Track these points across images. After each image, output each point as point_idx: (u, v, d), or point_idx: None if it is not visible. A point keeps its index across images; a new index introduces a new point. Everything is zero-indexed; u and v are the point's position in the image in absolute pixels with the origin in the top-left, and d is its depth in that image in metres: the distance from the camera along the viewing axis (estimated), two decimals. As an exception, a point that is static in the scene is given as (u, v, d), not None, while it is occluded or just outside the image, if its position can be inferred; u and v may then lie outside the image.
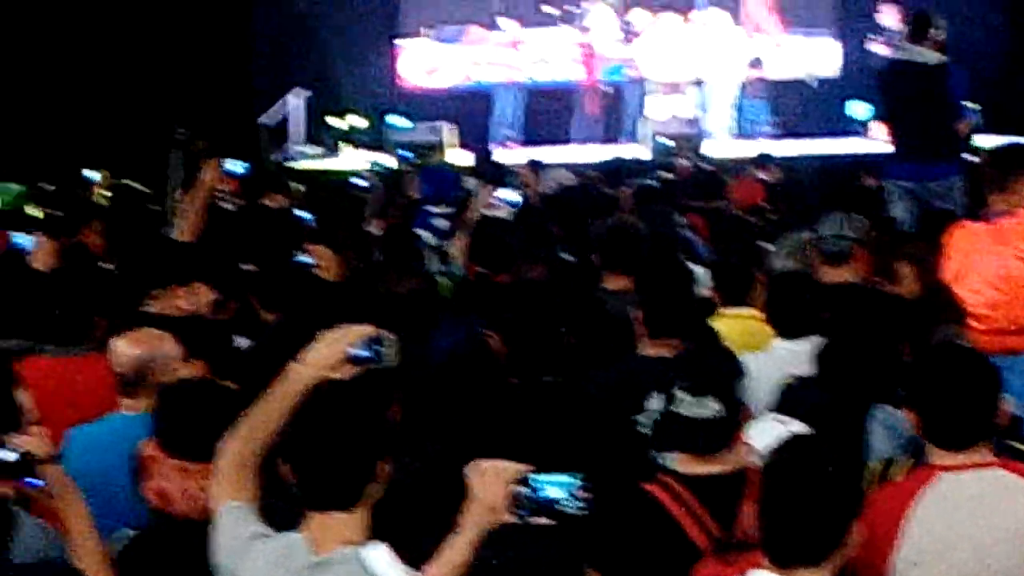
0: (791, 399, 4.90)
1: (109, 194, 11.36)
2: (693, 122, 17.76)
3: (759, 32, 19.55)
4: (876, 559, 3.79)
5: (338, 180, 15.10)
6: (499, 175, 11.59)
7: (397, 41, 20.42)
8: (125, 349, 4.95)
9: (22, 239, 7.88)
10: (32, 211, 10.94)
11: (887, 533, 3.78)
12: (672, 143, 15.70)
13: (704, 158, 15.20)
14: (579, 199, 9.45)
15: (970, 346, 4.90)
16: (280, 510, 3.52)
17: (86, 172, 12.33)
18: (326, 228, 8.68)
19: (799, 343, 5.46)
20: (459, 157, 16.57)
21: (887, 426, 4.72)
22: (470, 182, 12.13)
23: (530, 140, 18.97)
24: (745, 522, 3.35)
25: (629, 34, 19.48)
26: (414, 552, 3.30)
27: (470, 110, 19.26)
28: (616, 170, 11.34)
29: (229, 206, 9.79)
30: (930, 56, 9.58)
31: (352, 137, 19.26)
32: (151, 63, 17.33)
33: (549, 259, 7.15)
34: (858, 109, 18.69)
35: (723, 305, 6.41)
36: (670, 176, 11.64)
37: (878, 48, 17.97)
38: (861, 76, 18.40)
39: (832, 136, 18.14)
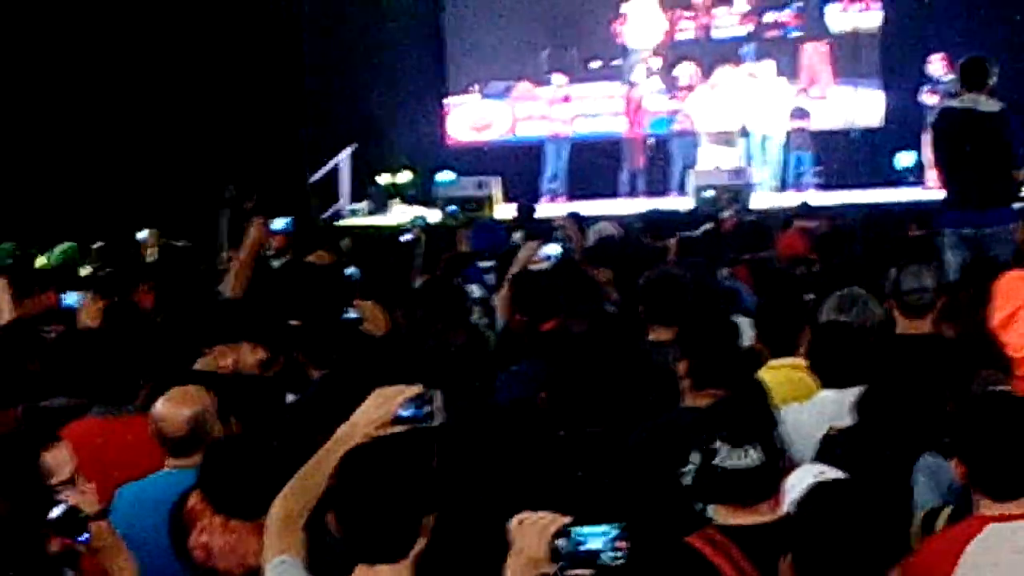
0: (833, 449, 4.89)
1: (157, 254, 11.49)
2: (739, 173, 17.78)
3: (815, 84, 19.61)
4: (929, 611, 3.78)
5: (386, 235, 15.17)
6: (542, 229, 11.63)
7: (446, 99, 20.58)
8: (173, 411, 4.93)
9: (70, 298, 7.96)
10: (83, 270, 11.09)
11: (938, 585, 3.76)
12: (715, 194, 15.71)
13: (748, 209, 15.20)
14: (623, 251, 9.45)
15: (1014, 393, 4.87)
16: (328, 565, 3.55)
17: (138, 233, 12.49)
18: (373, 284, 8.73)
19: (844, 393, 5.44)
20: (506, 211, 16.65)
21: (932, 475, 4.69)
22: (518, 236, 12.17)
23: (576, 193, 19.04)
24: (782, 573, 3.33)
25: (674, 88, 19.56)
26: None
27: (516, 165, 19.38)
28: (658, 222, 11.34)
29: (276, 263, 9.88)
30: (991, 104, 9.58)
31: (401, 193, 19.39)
32: (202, 123, 17.53)
33: (593, 312, 7.15)
34: (906, 159, 18.67)
35: (769, 356, 6.40)
36: (713, 227, 11.63)
37: (931, 99, 17.96)
38: (905, 126, 18.44)
39: (877, 186, 18.11)
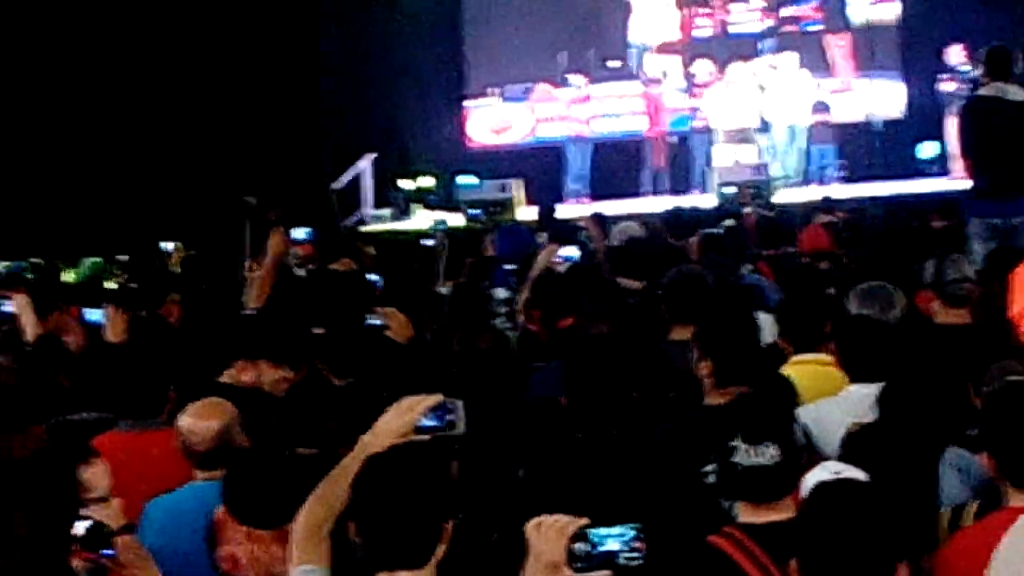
0: (855, 446, 4.88)
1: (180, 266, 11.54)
2: (760, 169, 17.73)
3: (836, 77, 19.59)
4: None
5: (408, 241, 15.21)
6: (563, 230, 11.64)
7: (465, 103, 20.62)
8: (201, 425, 4.96)
9: (93, 314, 7.99)
10: (109, 284, 11.14)
11: (973, 578, 3.76)
12: (737, 191, 15.67)
13: (770, 205, 15.15)
14: (645, 251, 9.45)
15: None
16: (351, 573, 3.57)
17: (162, 244, 12.54)
18: (396, 290, 8.75)
19: (874, 387, 5.42)
20: (529, 214, 16.67)
21: (959, 469, 4.68)
22: (543, 238, 12.19)
23: (599, 194, 19.03)
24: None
25: (693, 85, 19.55)
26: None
27: (538, 166, 19.38)
28: (680, 220, 11.32)
29: (301, 272, 9.91)
30: (1020, 93, 9.55)
31: (423, 198, 19.42)
32: (222, 133, 17.59)
33: (614, 313, 7.15)
34: (928, 149, 18.61)
35: (793, 352, 6.39)
36: (734, 224, 11.61)
37: (948, 86, 17.92)
38: (926, 116, 18.38)
39: (901, 178, 18.05)
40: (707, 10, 20.00)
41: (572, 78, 20.13)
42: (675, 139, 19.58)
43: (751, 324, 5.96)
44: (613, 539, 3.30)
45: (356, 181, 19.36)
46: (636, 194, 19.07)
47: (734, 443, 4.03)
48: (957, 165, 14.97)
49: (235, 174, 16.26)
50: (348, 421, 4.80)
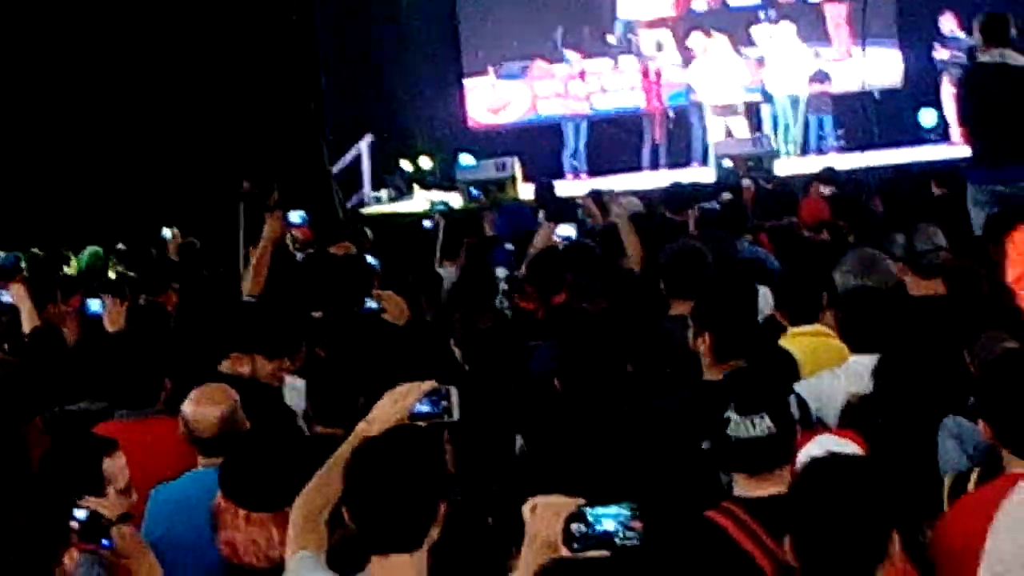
0: (854, 417, 4.87)
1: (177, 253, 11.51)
2: (759, 141, 17.67)
3: (836, 44, 19.55)
4: (962, 572, 3.77)
5: (409, 223, 15.18)
6: (561, 208, 11.60)
7: (464, 81, 20.58)
8: (205, 412, 4.98)
9: (94, 304, 7.98)
10: (110, 273, 11.12)
11: (971, 545, 3.76)
12: (736, 164, 15.63)
13: (770, 177, 15.11)
14: (645, 226, 9.41)
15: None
16: (345, 558, 3.56)
17: (163, 231, 12.51)
18: (394, 272, 8.72)
19: (875, 358, 5.40)
20: (529, 191, 16.65)
21: (958, 437, 4.68)
22: (543, 216, 12.15)
23: (598, 170, 18.99)
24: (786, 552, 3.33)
25: (689, 59, 19.50)
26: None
27: (537, 144, 19.35)
28: (680, 195, 11.28)
29: (299, 255, 9.88)
30: (1019, 58, 9.51)
31: (423, 179, 19.39)
32: (218, 116, 17.54)
33: (613, 290, 7.13)
34: (928, 117, 18.58)
35: (792, 324, 6.37)
36: (733, 197, 11.57)
37: (943, 54, 17.89)
38: (924, 84, 18.35)
39: (900, 146, 18.02)
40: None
41: (568, 54, 20.09)
42: (673, 113, 19.54)
43: (750, 298, 5.97)
44: (610, 519, 3.29)
45: (355, 163, 19.32)
46: (636, 169, 19.04)
47: (727, 414, 4.03)
48: (957, 131, 14.94)
49: (232, 158, 16.20)
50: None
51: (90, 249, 12.90)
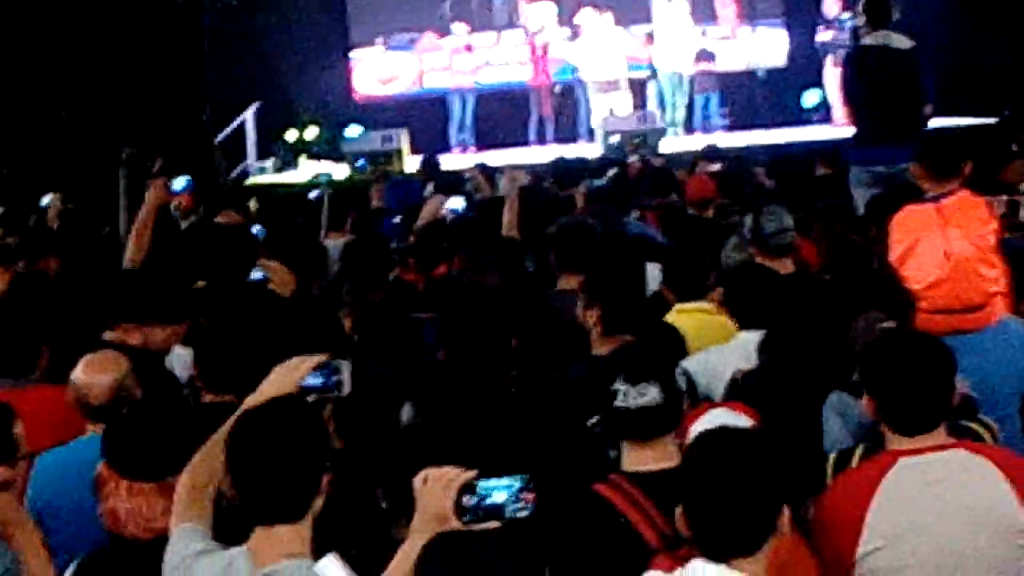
0: (740, 391, 4.92)
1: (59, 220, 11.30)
2: (646, 117, 17.78)
3: (723, 23, 19.69)
4: (842, 546, 3.84)
5: (293, 194, 15.07)
6: (447, 181, 11.59)
7: (351, 53, 20.43)
8: (97, 378, 4.91)
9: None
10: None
11: (852, 520, 3.83)
12: (621, 140, 15.72)
13: (656, 154, 15.21)
14: (532, 201, 9.42)
15: (900, 327, 4.93)
16: (228, 531, 3.53)
17: (42, 199, 12.26)
18: (280, 243, 8.64)
19: (762, 334, 5.45)
20: (415, 164, 16.60)
21: (841, 413, 4.74)
22: (430, 189, 12.13)
23: (486, 143, 19.00)
24: (677, 523, 3.35)
25: (577, 35, 19.54)
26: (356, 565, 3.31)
27: (425, 116, 19.32)
28: (566, 170, 11.31)
29: (184, 223, 9.74)
30: (903, 41, 9.66)
31: (309, 149, 19.25)
32: (102, 82, 17.24)
33: (502, 263, 7.12)
34: (811, 97, 18.83)
35: (679, 300, 6.42)
36: (619, 173, 11.63)
37: (825, 35, 18.14)
38: (808, 65, 18.59)
39: (785, 125, 18.24)
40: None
41: (454, 26, 20.04)
42: (559, 88, 19.58)
43: (638, 273, 5.99)
44: (501, 490, 3.30)
45: (240, 133, 19.12)
46: (523, 143, 19.06)
47: (616, 385, 4.05)
48: (841, 112, 15.14)
49: (115, 124, 15.94)
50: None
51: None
